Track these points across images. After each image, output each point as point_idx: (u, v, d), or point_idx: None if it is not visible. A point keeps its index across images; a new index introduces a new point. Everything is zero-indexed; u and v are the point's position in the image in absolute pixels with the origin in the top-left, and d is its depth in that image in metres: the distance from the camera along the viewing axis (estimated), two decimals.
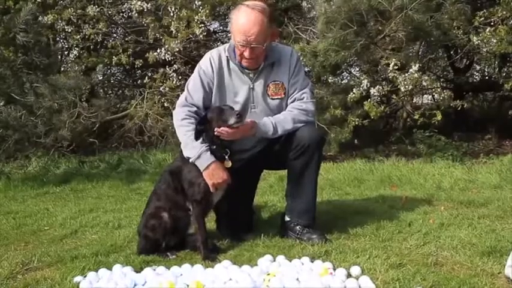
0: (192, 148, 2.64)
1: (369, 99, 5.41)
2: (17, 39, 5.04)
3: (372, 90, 5.39)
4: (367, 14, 4.98)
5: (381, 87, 5.39)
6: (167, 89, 6.31)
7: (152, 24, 6.27)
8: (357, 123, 5.60)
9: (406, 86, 5.14)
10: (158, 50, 6.16)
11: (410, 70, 5.15)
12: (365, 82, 5.45)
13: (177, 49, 6.05)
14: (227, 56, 2.81)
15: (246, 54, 2.70)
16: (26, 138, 6.19)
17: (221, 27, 7.61)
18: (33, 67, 5.55)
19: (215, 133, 2.60)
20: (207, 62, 2.83)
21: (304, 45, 5.39)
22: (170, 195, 2.72)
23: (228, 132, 2.58)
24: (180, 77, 6.31)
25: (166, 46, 6.06)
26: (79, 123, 6.61)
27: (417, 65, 5.19)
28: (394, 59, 5.14)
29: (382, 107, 5.52)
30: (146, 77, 6.92)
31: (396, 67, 5.14)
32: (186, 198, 2.70)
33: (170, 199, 2.71)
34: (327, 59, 5.19)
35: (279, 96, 2.85)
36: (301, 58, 5.18)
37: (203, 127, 2.65)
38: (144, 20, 6.45)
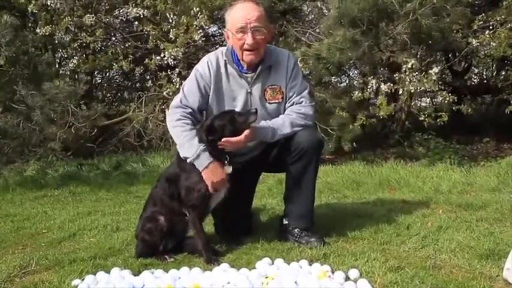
0: (190, 147, 2.62)
1: (379, 98, 5.42)
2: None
3: (383, 87, 5.36)
4: (378, 15, 4.93)
5: (391, 84, 5.36)
6: (171, 93, 6.30)
7: (153, 32, 6.26)
8: (364, 122, 5.61)
9: (416, 88, 5.13)
10: (162, 55, 6.14)
11: (430, 72, 5.12)
12: (373, 82, 5.43)
13: (179, 56, 6.04)
14: (225, 60, 2.79)
15: (248, 40, 2.65)
16: (25, 145, 6.20)
17: (219, 31, 7.62)
18: (22, 78, 5.61)
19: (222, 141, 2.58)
20: (204, 65, 2.80)
21: (306, 50, 5.34)
22: (166, 202, 2.71)
23: (233, 143, 2.59)
24: (183, 81, 6.29)
25: (167, 53, 6.04)
26: (76, 129, 6.57)
27: (438, 68, 5.20)
28: (413, 60, 5.12)
29: (393, 105, 5.51)
30: (149, 80, 6.93)
31: (411, 68, 5.11)
32: (182, 205, 2.67)
33: (166, 205, 2.70)
34: (331, 57, 5.11)
35: (277, 101, 2.83)
36: (303, 63, 5.21)
37: (213, 137, 2.61)
38: (145, 27, 6.44)
